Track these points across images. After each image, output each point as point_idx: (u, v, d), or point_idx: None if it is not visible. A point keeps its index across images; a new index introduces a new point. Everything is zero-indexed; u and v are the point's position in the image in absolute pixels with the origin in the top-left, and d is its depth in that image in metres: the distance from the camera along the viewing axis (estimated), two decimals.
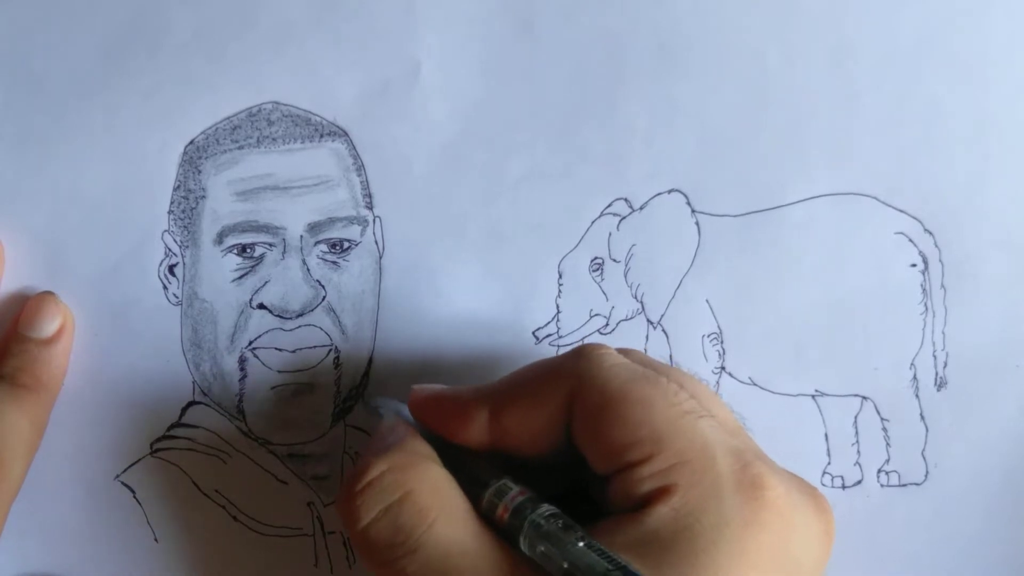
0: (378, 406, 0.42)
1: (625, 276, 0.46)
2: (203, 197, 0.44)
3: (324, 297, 0.45)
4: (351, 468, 0.37)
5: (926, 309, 0.46)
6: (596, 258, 0.46)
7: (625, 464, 0.34)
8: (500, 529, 0.35)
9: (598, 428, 0.35)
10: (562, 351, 0.45)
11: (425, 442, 0.38)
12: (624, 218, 0.46)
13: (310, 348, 0.45)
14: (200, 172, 0.44)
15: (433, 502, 0.35)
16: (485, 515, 0.36)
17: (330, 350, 0.45)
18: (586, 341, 0.40)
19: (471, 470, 0.37)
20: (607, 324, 0.46)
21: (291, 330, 0.44)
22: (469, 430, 0.38)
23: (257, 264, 0.44)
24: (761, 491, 0.34)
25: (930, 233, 0.46)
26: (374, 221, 0.45)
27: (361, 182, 0.45)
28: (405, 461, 0.36)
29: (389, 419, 0.40)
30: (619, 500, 0.35)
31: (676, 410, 0.35)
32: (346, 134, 0.45)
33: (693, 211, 0.46)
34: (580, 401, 0.36)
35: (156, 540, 0.44)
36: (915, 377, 0.46)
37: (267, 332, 0.44)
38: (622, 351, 0.39)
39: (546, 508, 0.35)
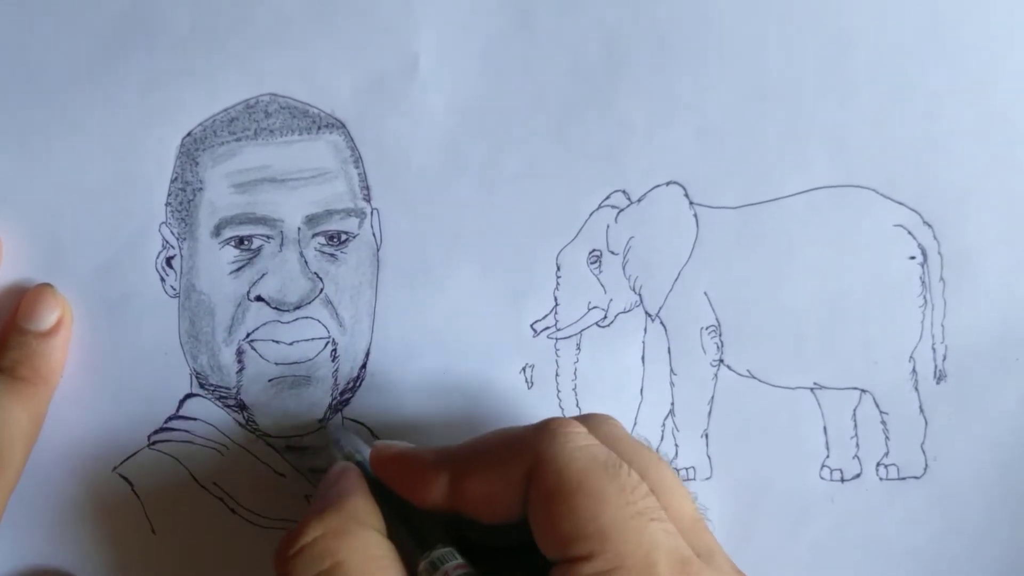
0: (337, 439, 0.42)
1: (623, 268, 0.46)
2: (200, 189, 0.44)
3: (322, 289, 0.45)
4: (288, 529, 0.37)
5: (925, 302, 0.46)
6: (594, 250, 0.46)
7: (568, 557, 0.34)
8: None
9: (548, 514, 0.35)
10: (560, 344, 0.46)
11: (369, 501, 0.38)
12: (622, 210, 0.46)
13: (307, 340, 0.45)
14: (197, 164, 0.44)
15: (364, 572, 0.35)
16: None
17: (328, 342, 0.45)
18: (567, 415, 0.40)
19: (418, 532, 0.37)
20: (605, 317, 0.46)
21: (288, 322, 0.44)
22: (429, 494, 0.37)
23: (255, 256, 0.44)
24: None
25: (929, 225, 0.46)
26: (372, 213, 0.45)
27: (359, 174, 0.45)
28: (340, 527, 0.36)
29: (340, 461, 0.40)
30: None
31: (628, 509, 0.34)
32: (344, 126, 0.45)
33: (691, 203, 0.46)
34: (536, 481, 0.35)
35: (153, 532, 0.44)
36: (914, 370, 0.46)
37: (264, 324, 0.44)
38: (593, 421, 0.39)
39: None
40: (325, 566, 0.35)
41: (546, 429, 0.37)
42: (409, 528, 0.38)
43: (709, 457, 0.46)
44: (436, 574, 0.35)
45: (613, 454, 0.36)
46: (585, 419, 0.39)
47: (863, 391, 0.46)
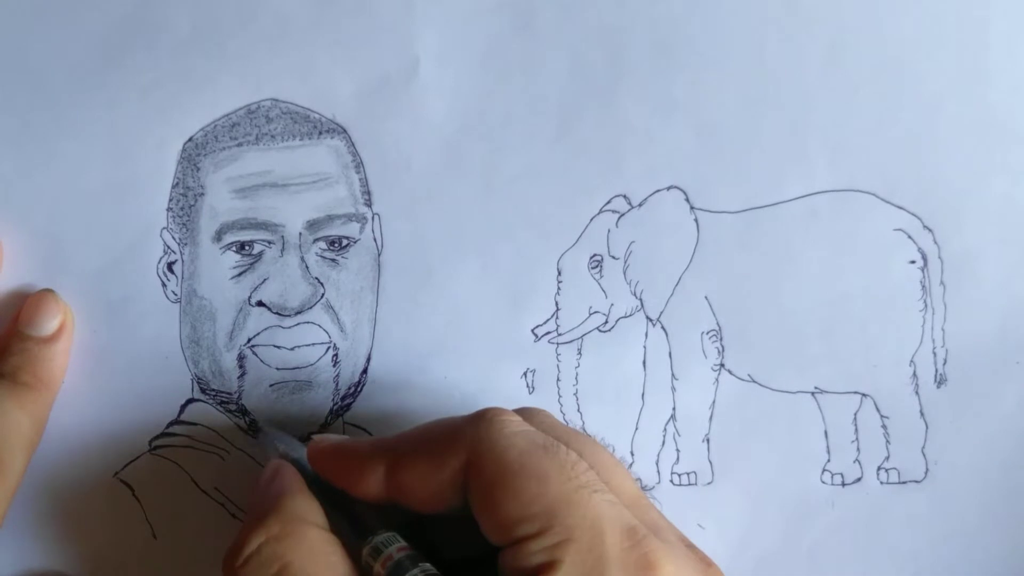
0: (271, 440, 0.42)
1: (624, 273, 0.46)
2: (202, 194, 0.44)
3: (323, 294, 0.45)
4: (233, 539, 0.37)
5: (925, 306, 0.46)
6: (595, 255, 0.46)
7: (516, 538, 0.34)
8: None
9: (492, 500, 0.35)
10: (561, 348, 0.46)
11: (307, 497, 0.38)
12: (623, 215, 0.46)
13: (309, 346, 0.45)
14: (199, 169, 0.44)
15: (313, 571, 0.35)
16: (366, 571, 0.36)
17: (328, 347, 0.45)
18: (491, 405, 0.39)
19: (359, 520, 0.37)
20: (606, 321, 0.46)
21: (290, 327, 0.44)
22: (365, 485, 0.38)
23: (256, 261, 0.44)
24: (649, 571, 0.34)
25: (929, 230, 0.46)
26: (373, 218, 0.45)
27: (360, 179, 0.45)
28: (283, 530, 0.36)
29: (273, 461, 0.40)
30: (509, 571, 0.34)
31: (571, 484, 0.35)
32: (345, 131, 0.45)
33: (692, 208, 0.46)
34: (476, 469, 0.36)
35: (154, 537, 0.44)
36: (915, 374, 0.46)
37: (266, 329, 0.44)
38: (526, 413, 0.39)
39: (425, 567, 0.35)
40: (273, 571, 0.35)
41: (482, 418, 0.37)
42: (350, 518, 0.38)
43: (710, 462, 0.46)
44: (379, 558, 0.36)
45: (550, 437, 0.37)
46: (518, 412, 0.39)
47: (864, 395, 0.46)
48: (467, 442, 0.36)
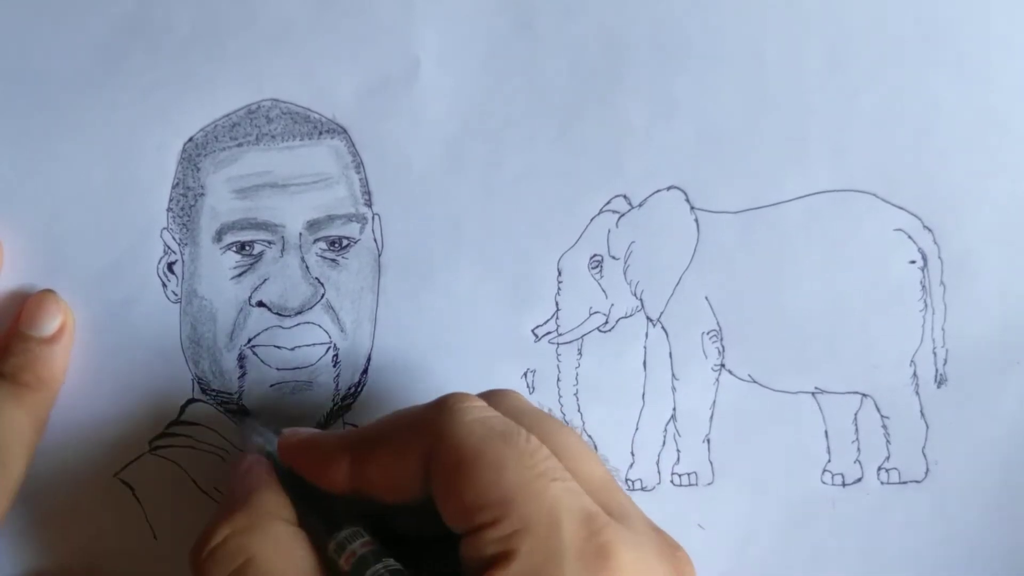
0: (248, 435, 0.42)
1: (624, 273, 0.46)
2: (202, 195, 0.44)
3: (323, 295, 0.45)
4: (201, 530, 0.37)
5: (926, 306, 0.46)
6: (595, 255, 0.46)
7: (473, 526, 0.34)
8: None
9: (450, 488, 0.35)
10: (561, 349, 0.46)
11: (277, 492, 0.38)
12: (623, 215, 0.46)
13: (309, 346, 0.45)
14: (199, 170, 0.44)
15: (277, 565, 0.35)
16: (332, 565, 0.36)
17: (329, 348, 0.45)
18: (454, 391, 0.38)
19: (328, 515, 0.37)
20: (606, 322, 0.46)
21: (290, 328, 0.44)
22: (331, 477, 0.38)
23: (256, 262, 0.44)
24: (606, 560, 0.33)
25: (929, 230, 0.46)
26: (373, 219, 0.45)
27: (360, 179, 0.45)
28: (249, 523, 0.36)
29: (249, 455, 0.41)
30: (467, 560, 0.34)
31: (529, 472, 0.34)
32: (345, 131, 0.45)
33: (692, 208, 0.46)
34: (436, 457, 0.35)
35: (155, 537, 0.45)
36: (915, 374, 0.46)
37: (266, 330, 0.44)
38: (494, 396, 0.39)
39: (388, 563, 0.35)
40: (237, 563, 0.35)
41: (443, 406, 0.37)
42: (319, 512, 0.38)
43: (711, 462, 0.46)
44: (343, 553, 0.36)
45: (511, 422, 0.36)
46: (487, 395, 0.39)
47: (864, 395, 0.46)
48: (428, 431, 0.36)
